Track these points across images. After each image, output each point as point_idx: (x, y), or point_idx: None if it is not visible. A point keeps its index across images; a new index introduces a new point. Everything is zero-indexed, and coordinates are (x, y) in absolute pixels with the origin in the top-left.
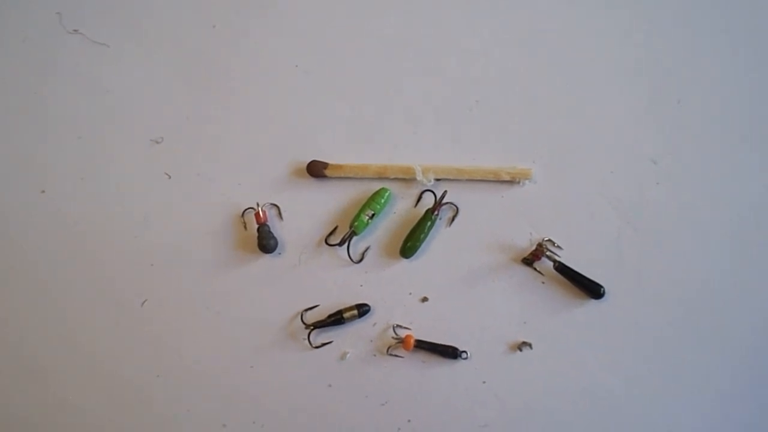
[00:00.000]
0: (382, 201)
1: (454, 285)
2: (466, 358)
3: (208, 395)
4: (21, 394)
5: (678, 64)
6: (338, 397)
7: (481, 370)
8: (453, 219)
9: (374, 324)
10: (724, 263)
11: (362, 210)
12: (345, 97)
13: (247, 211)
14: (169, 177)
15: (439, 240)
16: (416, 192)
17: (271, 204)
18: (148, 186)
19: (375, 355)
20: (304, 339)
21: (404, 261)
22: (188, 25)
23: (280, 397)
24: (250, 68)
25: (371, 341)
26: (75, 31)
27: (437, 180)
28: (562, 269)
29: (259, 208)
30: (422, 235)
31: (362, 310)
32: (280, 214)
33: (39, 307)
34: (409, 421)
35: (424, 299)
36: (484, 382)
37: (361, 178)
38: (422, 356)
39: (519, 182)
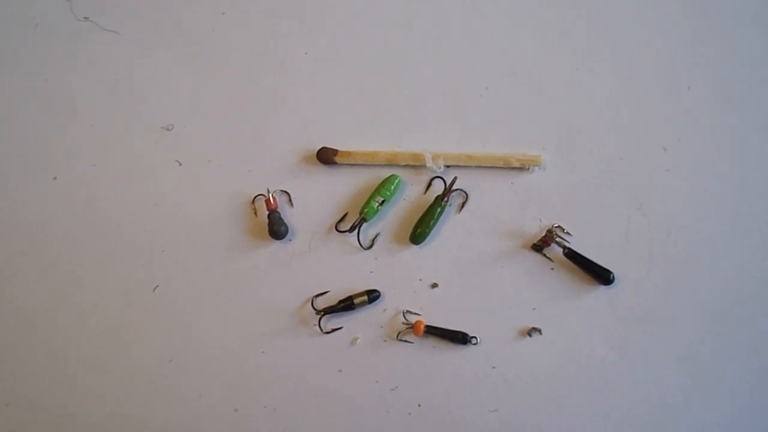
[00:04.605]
0: (392, 187)
1: (463, 271)
2: (475, 344)
3: (219, 380)
4: (33, 378)
5: (688, 50)
6: (349, 382)
7: (490, 355)
8: (463, 205)
9: (384, 310)
10: (734, 249)
11: (372, 196)
12: (355, 84)
13: (258, 197)
14: (180, 164)
15: (449, 226)
16: (426, 179)
17: (282, 191)
18: (159, 173)
19: (385, 341)
20: (315, 325)
21: (414, 247)
22: (198, 12)
23: (291, 381)
24: (259, 55)
25: (381, 327)
26: (86, 18)
27: (447, 167)
28: (572, 255)
29: (270, 195)
30: (432, 222)
31: (372, 296)
32: (290, 200)
33: (50, 293)
34: (419, 405)
35: (434, 285)
36: (493, 368)
37: (371, 165)
38: (432, 342)
39: (529, 169)
